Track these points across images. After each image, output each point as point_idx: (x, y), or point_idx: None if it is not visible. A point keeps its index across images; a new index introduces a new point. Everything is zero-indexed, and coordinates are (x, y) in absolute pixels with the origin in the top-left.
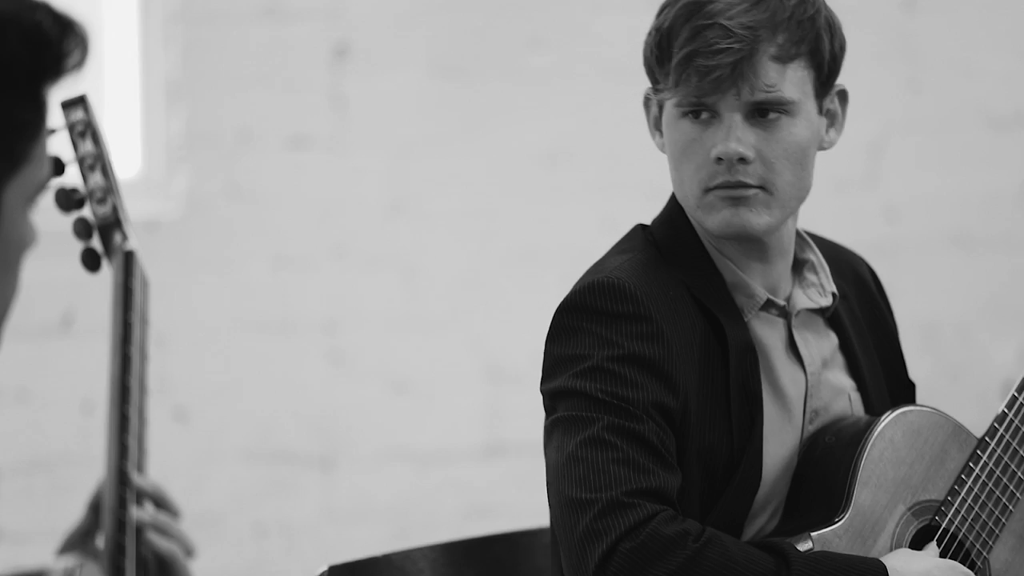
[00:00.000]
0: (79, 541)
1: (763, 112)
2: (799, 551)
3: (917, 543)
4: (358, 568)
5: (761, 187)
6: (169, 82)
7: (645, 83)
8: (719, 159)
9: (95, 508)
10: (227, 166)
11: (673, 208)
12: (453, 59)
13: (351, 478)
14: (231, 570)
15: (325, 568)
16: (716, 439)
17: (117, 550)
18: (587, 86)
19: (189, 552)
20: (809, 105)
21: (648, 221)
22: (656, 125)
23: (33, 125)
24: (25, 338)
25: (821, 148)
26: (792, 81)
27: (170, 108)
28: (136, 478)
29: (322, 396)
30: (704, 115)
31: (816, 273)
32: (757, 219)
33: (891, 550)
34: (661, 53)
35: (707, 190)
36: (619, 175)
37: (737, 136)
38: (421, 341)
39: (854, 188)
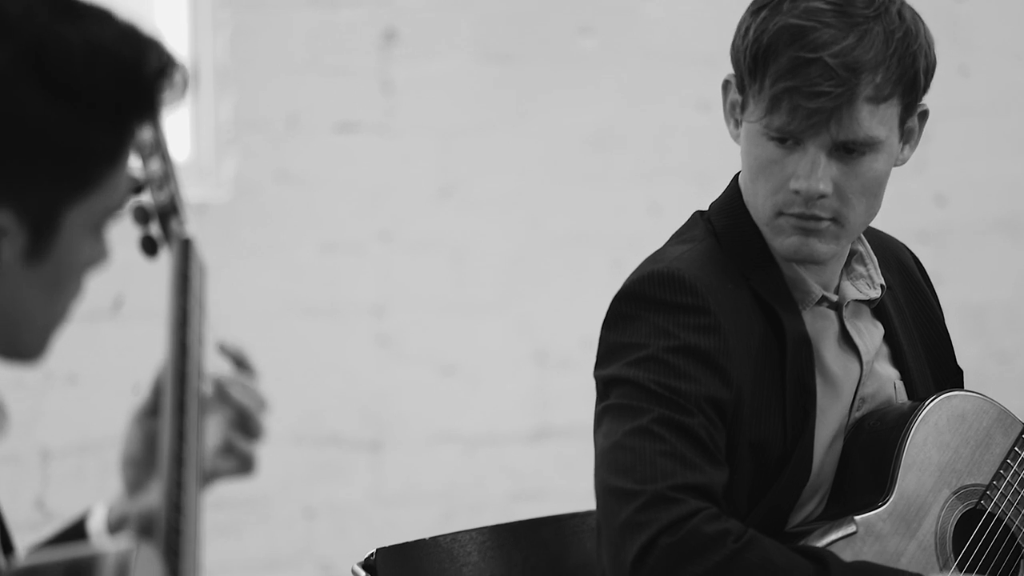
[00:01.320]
0: (145, 420)
1: (848, 149)
2: (841, 560)
3: (962, 527)
4: (406, 550)
5: (833, 219)
6: (218, 67)
7: (691, 68)
8: (798, 192)
9: (157, 389)
10: (275, 151)
11: (734, 198)
12: (501, 43)
13: (399, 461)
14: (280, 552)
15: (373, 551)
16: (769, 432)
17: (173, 534)
18: (635, 70)
19: (262, 406)
20: (893, 138)
21: (695, 206)
22: (732, 112)
23: (110, 154)
24: (76, 321)
25: (894, 165)
26: (881, 120)
27: (219, 93)
28: (192, 484)
29: (370, 379)
30: (789, 142)
31: (864, 264)
32: (825, 248)
33: (936, 534)
34: (755, 68)
35: (780, 214)
36: (667, 160)
37: (819, 175)
38: (469, 325)
39: (903, 173)
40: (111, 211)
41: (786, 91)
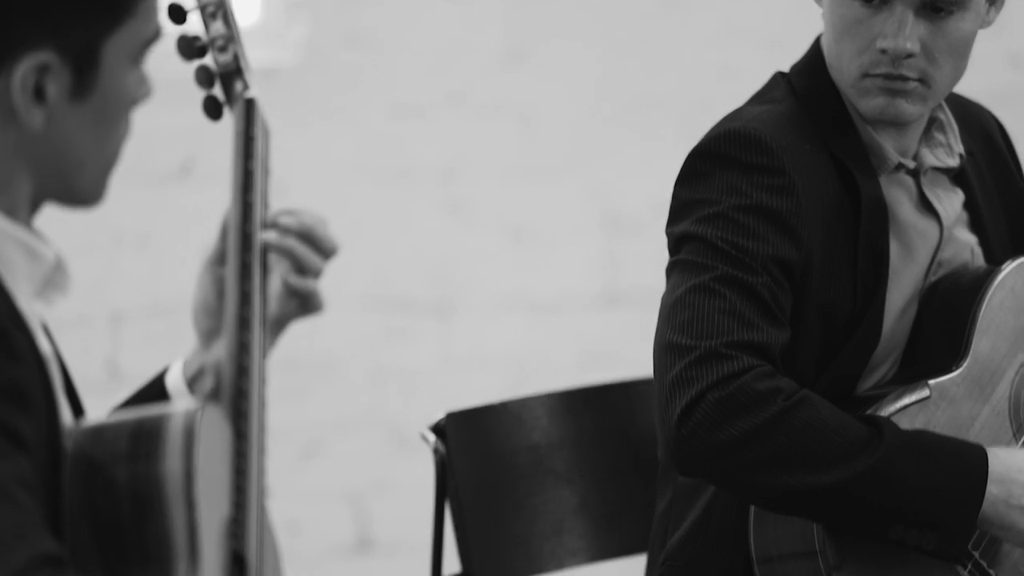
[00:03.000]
0: (214, 267)
1: (936, 8)
2: (897, 427)
3: None
4: (475, 415)
5: (920, 80)
6: None
7: None
8: (884, 51)
9: (224, 233)
10: (344, 14)
11: (815, 59)
12: None
13: (468, 326)
14: (349, 416)
15: (443, 415)
16: (839, 295)
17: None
18: None
19: (331, 253)
20: None
21: (766, 70)
22: None
23: None
24: (146, 184)
25: (980, 28)
26: None
27: None
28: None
29: (439, 244)
30: (875, 1)
31: (944, 132)
32: (911, 108)
33: (1010, 399)
34: None
35: (866, 75)
36: (738, 23)
37: (906, 33)
38: (538, 189)
39: (978, 35)
40: (148, 41)
41: None
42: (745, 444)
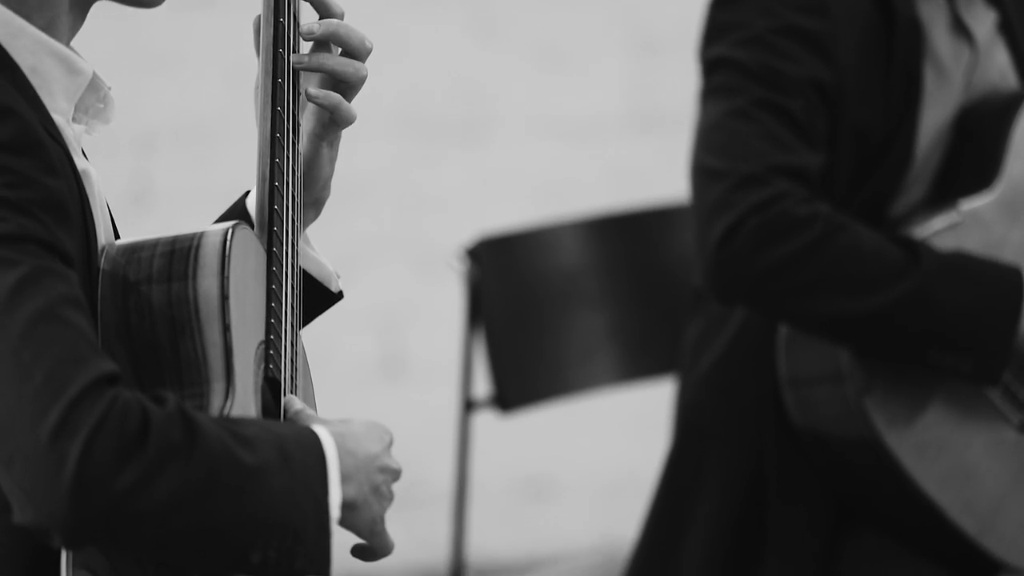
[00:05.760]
0: None
1: None
2: (934, 251)
3: None
4: (508, 240)
5: None
6: None
7: None
8: None
9: None
10: None
11: None
12: None
13: (500, 150)
14: (378, 238)
15: (476, 239)
16: (871, 116)
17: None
18: None
19: (367, 53)
20: None
21: None
22: None
23: None
24: (176, 6)
25: None
26: None
27: None
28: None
29: (468, 66)
30: None
31: None
32: None
33: None
34: None
35: None
36: None
37: None
38: (570, 11)
39: None
40: None
41: None
42: (784, 270)
